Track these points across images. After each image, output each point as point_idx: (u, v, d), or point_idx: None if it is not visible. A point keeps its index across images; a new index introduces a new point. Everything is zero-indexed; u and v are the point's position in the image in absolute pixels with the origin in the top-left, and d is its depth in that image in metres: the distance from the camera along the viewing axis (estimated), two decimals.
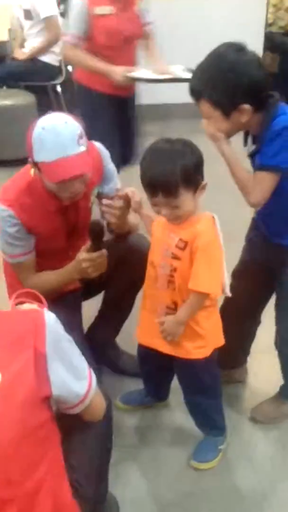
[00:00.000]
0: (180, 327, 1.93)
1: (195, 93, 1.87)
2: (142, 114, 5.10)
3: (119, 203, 2.10)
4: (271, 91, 1.87)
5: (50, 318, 1.38)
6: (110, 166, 2.29)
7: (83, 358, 1.47)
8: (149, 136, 5.02)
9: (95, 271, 2.02)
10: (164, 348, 2.02)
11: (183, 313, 1.92)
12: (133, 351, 2.50)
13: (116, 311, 2.47)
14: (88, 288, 2.33)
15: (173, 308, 1.97)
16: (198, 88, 1.86)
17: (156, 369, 2.25)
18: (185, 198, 1.81)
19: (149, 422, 2.37)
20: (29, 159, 1.94)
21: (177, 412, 2.38)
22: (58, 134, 1.85)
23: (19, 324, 1.38)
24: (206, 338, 1.99)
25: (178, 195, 1.79)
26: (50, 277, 2.11)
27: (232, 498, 2.06)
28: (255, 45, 5.61)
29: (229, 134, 1.91)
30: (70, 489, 1.42)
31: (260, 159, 1.88)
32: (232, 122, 1.86)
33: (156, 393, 2.41)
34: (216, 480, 2.12)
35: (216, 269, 1.89)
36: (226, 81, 1.79)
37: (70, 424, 1.50)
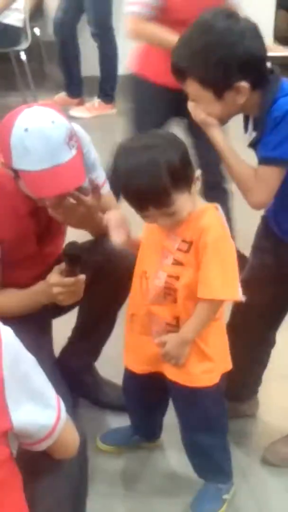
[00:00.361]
0: (186, 347, 1.89)
1: (179, 71, 1.88)
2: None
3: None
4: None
5: (7, 334, 1.37)
6: (91, 153, 2.28)
7: (49, 383, 1.47)
8: None
9: (68, 299, 2.05)
10: (167, 372, 1.99)
11: (190, 329, 1.89)
12: (116, 379, 2.51)
13: (94, 331, 2.47)
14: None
15: (175, 324, 1.94)
16: (182, 65, 1.86)
17: (147, 401, 2.22)
18: (181, 201, 1.79)
19: (137, 466, 2.35)
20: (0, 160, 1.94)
21: (171, 453, 2.38)
22: (46, 139, 1.83)
23: None
24: (215, 360, 1.97)
25: (172, 202, 1.76)
26: (11, 300, 2.11)
27: None
28: (268, 2, 5.77)
29: (222, 119, 1.94)
30: None
31: (261, 151, 1.91)
32: (226, 104, 1.87)
33: (146, 431, 2.37)
34: None
35: (231, 268, 1.85)
36: (217, 54, 1.79)
37: (36, 464, 1.51)
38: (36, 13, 5.54)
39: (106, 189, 2.32)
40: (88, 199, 2.07)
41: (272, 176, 1.90)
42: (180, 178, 1.76)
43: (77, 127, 2.18)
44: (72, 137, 1.89)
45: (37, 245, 2.20)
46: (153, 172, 1.72)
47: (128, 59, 5.11)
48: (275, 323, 2.30)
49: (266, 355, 2.39)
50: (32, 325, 1.76)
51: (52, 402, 1.45)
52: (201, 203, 1.91)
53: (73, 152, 1.88)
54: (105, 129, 4.89)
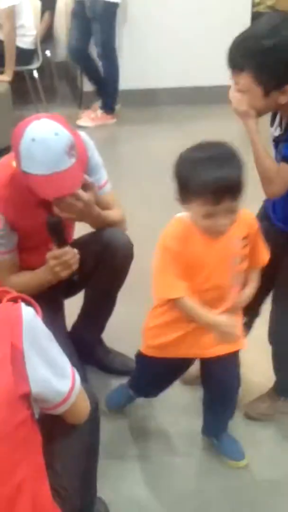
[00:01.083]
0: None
1: (238, 63, 1.82)
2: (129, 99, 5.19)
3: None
4: None
5: (28, 313, 1.37)
6: (95, 157, 2.25)
7: (65, 356, 1.47)
8: (137, 122, 5.13)
9: (63, 270, 2.03)
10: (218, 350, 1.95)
11: (247, 296, 1.92)
12: (120, 349, 2.56)
13: (99, 308, 2.46)
14: (69, 285, 2.30)
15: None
16: (242, 60, 1.81)
17: (172, 378, 2.19)
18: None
19: (141, 422, 2.33)
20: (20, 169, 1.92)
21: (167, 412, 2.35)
22: (49, 149, 1.83)
23: None
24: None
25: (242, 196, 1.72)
26: (27, 278, 2.11)
27: (230, 498, 2.06)
28: (243, 24, 5.63)
29: (260, 113, 1.89)
30: (52, 494, 1.41)
31: (286, 149, 1.87)
32: (270, 101, 1.83)
33: (154, 395, 2.31)
34: (212, 481, 2.12)
35: None
36: (279, 57, 1.76)
37: (53, 427, 1.50)
38: (46, 37, 5.48)
39: (107, 188, 2.28)
40: (85, 195, 2.04)
41: None
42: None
43: (83, 134, 2.20)
44: (72, 147, 1.88)
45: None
46: (234, 168, 1.69)
47: (127, 76, 5.14)
48: (263, 297, 2.25)
49: (252, 323, 2.37)
50: (47, 305, 1.73)
51: (67, 372, 1.45)
52: None
53: (72, 160, 1.87)
54: (106, 137, 4.89)
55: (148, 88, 5.40)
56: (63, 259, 2.01)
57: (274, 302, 2.19)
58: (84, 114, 5.21)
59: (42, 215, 2.04)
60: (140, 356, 2.12)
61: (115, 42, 5.04)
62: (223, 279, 1.84)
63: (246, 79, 1.81)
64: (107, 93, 5.20)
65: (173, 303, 1.83)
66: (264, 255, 1.92)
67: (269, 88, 1.79)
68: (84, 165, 2.15)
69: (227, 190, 1.66)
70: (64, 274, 2.04)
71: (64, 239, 2.06)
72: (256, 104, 1.84)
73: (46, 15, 5.41)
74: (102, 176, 2.27)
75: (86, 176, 2.10)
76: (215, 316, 1.83)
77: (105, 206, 2.24)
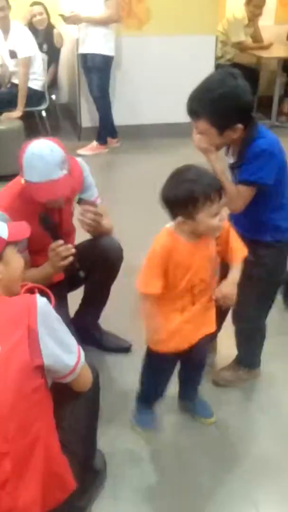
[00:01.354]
0: (235, 287, 1.88)
1: (195, 113, 1.86)
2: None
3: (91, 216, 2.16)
4: None
5: (41, 301, 1.41)
6: (89, 177, 2.30)
7: (71, 336, 1.49)
8: (126, 151, 5.14)
9: (58, 260, 2.03)
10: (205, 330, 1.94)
11: (236, 275, 1.87)
12: (113, 331, 2.58)
13: (96, 299, 2.49)
14: (71, 281, 2.34)
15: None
16: (198, 109, 1.84)
17: (173, 366, 2.09)
18: None
19: None
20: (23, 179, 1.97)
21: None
22: (44, 161, 1.88)
23: (16, 307, 1.41)
24: None
25: None
26: (34, 273, 2.09)
27: (201, 447, 2.08)
28: (208, 73, 5.66)
29: (218, 148, 1.92)
30: (60, 445, 1.44)
31: (241, 175, 1.90)
32: (224, 138, 1.87)
33: (161, 395, 2.16)
34: (187, 434, 2.13)
35: None
36: (227, 104, 1.79)
37: (63, 394, 1.51)
38: (52, 84, 5.49)
39: (98, 201, 2.35)
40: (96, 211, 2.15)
41: (248, 193, 1.91)
42: None
43: (79, 160, 2.26)
44: (64, 162, 1.92)
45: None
46: (212, 175, 1.76)
47: (119, 114, 5.08)
48: None
49: (225, 313, 2.30)
50: (55, 296, 1.78)
51: (73, 349, 1.47)
52: None
53: (64, 172, 1.92)
54: (102, 163, 4.90)
55: (135, 124, 5.42)
56: (57, 251, 2.01)
57: (238, 293, 2.15)
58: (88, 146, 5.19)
59: None
60: (150, 355, 1.98)
61: (108, 86, 5.05)
62: (206, 274, 1.84)
63: (203, 124, 1.85)
64: (102, 128, 5.17)
65: (144, 296, 1.79)
66: (241, 250, 1.88)
67: (222, 129, 1.83)
68: (81, 183, 2.23)
69: (220, 188, 1.71)
70: (59, 264, 2.04)
71: (57, 234, 2.07)
72: (214, 142, 1.88)
73: (52, 67, 5.42)
74: (94, 193, 2.33)
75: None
76: (157, 329, 1.81)
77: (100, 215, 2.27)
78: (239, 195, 1.91)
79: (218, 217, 1.71)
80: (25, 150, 1.91)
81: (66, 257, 2.04)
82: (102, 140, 5.19)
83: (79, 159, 2.27)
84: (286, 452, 2.07)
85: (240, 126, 1.82)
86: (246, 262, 2.05)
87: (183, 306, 1.85)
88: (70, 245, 2.06)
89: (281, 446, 2.10)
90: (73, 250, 2.06)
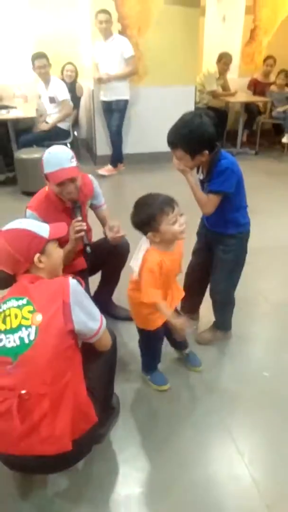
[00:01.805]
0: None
1: (173, 144, 1.87)
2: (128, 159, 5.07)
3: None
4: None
5: (73, 282, 1.40)
6: (98, 188, 2.28)
7: (95, 307, 1.48)
8: (133, 172, 5.12)
9: (73, 233, 2.00)
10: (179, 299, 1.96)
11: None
12: (122, 304, 2.52)
13: (109, 281, 2.47)
14: (92, 269, 2.34)
15: None
16: (174, 141, 1.85)
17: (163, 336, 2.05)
18: None
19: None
20: (43, 175, 2.00)
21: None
22: (57, 156, 1.95)
23: (54, 286, 1.41)
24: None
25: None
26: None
27: (189, 389, 2.06)
28: None
29: (191, 168, 1.92)
30: (86, 391, 1.43)
31: (211, 187, 1.91)
32: (195, 161, 1.87)
33: (178, 344, 2.16)
34: (179, 379, 2.11)
35: None
36: (195, 137, 1.80)
37: (89, 353, 1.51)
38: (75, 123, 5.42)
39: (105, 207, 2.33)
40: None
41: (216, 199, 1.92)
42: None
43: (90, 176, 2.25)
44: (72, 157, 1.98)
45: None
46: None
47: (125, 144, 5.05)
48: (209, 272, 2.23)
49: (205, 287, 2.33)
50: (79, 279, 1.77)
51: (97, 317, 1.46)
52: None
53: (72, 164, 1.98)
54: (111, 180, 4.89)
55: (137, 152, 5.37)
56: (73, 225, 2.01)
57: (212, 273, 2.19)
58: (104, 168, 5.15)
59: (65, 217, 2.05)
60: (146, 334, 1.95)
61: (122, 129, 5.03)
62: (179, 269, 1.90)
63: (179, 152, 1.86)
64: (114, 155, 5.14)
65: (154, 303, 1.77)
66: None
67: (193, 155, 1.84)
68: (92, 191, 2.23)
69: (171, 202, 1.70)
70: (73, 237, 2.00)
71: (76, 215, 2.05)
72: (189, 164, 1.89)
73: (74, 111, 5.34)
74: (102, 200, 2.32)
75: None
76: (174, 318, 1.78)
77: (103, 217, 2.29)
78: (209, 201, 1.93)
79: (177, 224, 1.70)
80: (44, 153, 1.97)
81: (79, 231, 2.02)
82: (114, 164, 5.14)
83: (90, 175, 2.26)
84: (251, 389, 2.07)
85: (206, 152, 1.84)
86: (219, 250, 2.06)
87: (164, 294, 1.86)
88: (83, 223, 2.04)
89: (248, 385, 2.09)
90: (85, 226, 2.04)
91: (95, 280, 2.48)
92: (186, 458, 1.75)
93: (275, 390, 2.06)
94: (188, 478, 1.67)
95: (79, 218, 2.05)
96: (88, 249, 2.13)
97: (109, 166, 5.14)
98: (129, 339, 2.36)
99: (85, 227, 2.04)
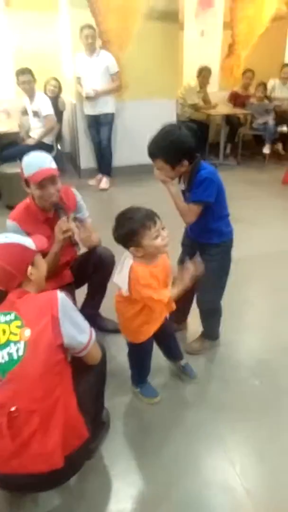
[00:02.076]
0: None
1: (153, 155, 1.89)
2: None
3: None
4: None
5: (61, 295, 1.39)
6: (81, 201, 2.29)
7: (85, 320, 1.47)
8: (123, 184, 5.11)
9: (60, 233, 2.01)
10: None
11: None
12: (110, 316, 2.47)
13: (96, 294, 2.44)
14: (78, 282, 2.32)
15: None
16: (155, 152, 1.87)
17: (167, 339, 2.09)
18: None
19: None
20: (23, 182, 2.00)
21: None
22: (37, 158, 1.98)
23: (42, 299, 1.40)
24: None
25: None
26: (47, 258, 2.02)
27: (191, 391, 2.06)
28: None
29: (172, 178, 1.94)
30: (77, 405, 1.42)
31: (192, 197, 1.93)
32: (176, 171, 1.89)
33: (173, 355, 2.17)
34: (169, 390, 2.11)
35: None
36: (174, 147, 1.82)
37: (78, 366, 1.50)
38: (58, 138, 5.38)
39: (89, 220, 2.33)
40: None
41: (197, 209, 1.94)
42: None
43: (73, 189, 2.26)
44: (51, 160, 2.00)
45: None
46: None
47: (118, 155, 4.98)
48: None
49: (191, 300, 2.33)
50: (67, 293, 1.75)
51: (86, 330, 1.45)
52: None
53: (53, 165, 2.00)
54: (98, 193, 4.88)
55: (125, 165, 5.36)
56: (59, 225, 2.02)
57: (198, 283, 2.11)
58: (102, 180, 5.15)
59: (46, 228, 2.05)
60: (135, 346, 1.94)
61: (112, 138, 5.08)
62: (170, 277, 1.87)
63: (159, 162, 1.88)
64: (108, 166, 5.18)
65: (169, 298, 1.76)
66: None
67: (173, 165, 1.87)
68: (75, 204, 2.23)
69: (152, 217, 1.68)
70: (60, 237, 2.01)
71: (60, 216, 2.05)
72: (169, 174, 1.91)
73: (58, 125, 5.30)
74: (86, 213, 2.32)
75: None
76: (184, 283, 1.78)
77: (88, 230, 2.28)
78: (190, 211, 1.95)
79: (159, 238, 1.68)
80: (23, 160, 1.98)
81: (66, 231, 2.02)
82: (108, 175, 5.17)
83: (73, 189, 2.26)
84: (241, 398, 2.07)
85: (186, 162, 1.86)
86: (203, 260, 2.04)
87: None
88: (71, 224, 2.05)
89: (238, 394, 2.09)
90: (72, 225, 2.05)
91: (81, 293, 2.46)
92: (178, 470, 1.73)
93: (266, 398, 2.06)
94: (181, 491, 1.65)
95: (64, 218, 2.04)
96: (78, 247, 2.15)
97: (106, 178, 5.16)
98: (118, 351, 2.33)
99: (71, 226, 2.05)
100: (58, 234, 2.02)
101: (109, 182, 5.14)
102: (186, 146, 1.83)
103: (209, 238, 2.06)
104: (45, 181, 1.96)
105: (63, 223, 2.02)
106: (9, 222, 2.04)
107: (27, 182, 1.99)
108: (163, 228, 1.71)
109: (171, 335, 2.11)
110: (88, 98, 4.78)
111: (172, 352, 2.16)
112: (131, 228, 1.66)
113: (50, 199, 2.02)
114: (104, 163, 5.18)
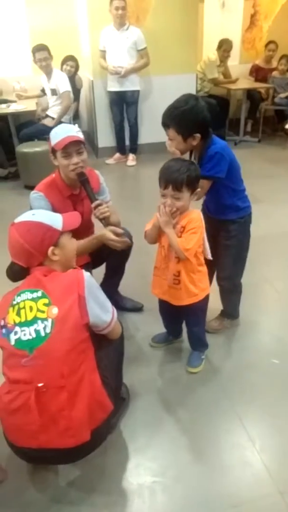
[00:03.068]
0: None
1: (166, 124, 1.86)
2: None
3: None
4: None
5: (87, 274, 1.41)
6: (104, 184, 2.26)
7: (108, 300, 1.49)
8: (148, 161, 5.07)
9: (101, 215, 2.03)
10: (171, 300, 1.93)
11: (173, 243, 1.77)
12: (129, 295, 2.54)
13: (115, 274, 2.45)
14: (95, 261, 2.32)
15: (178, 275, 1.84)
16: (168, 121, 1.84)
17: (169, 313, 2.11)
18: (184, 195, 1.74)
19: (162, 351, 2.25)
20: (50, 154, 2.01)
21: (183, 344, 2.28)
22: (64, 128, 1.99)
23: (68, 278, 1.41)
24: (199, 293, 1.90)
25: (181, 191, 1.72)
26: (80, 243, 2.06)
27: (205, 379, 2.07)
28: None
29: (183, 152, 1.90)
30: (100, 380, 1.44)
31: (201, 172, 1.86)
32: (187, 144, 1.86)
33: (173, 332, 2.23)
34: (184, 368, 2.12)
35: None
36: (188, 118, 1.79)
37: (101, 342, 1.52)
38: (76, 117, 5.35)
39: (110, 202, 2.28)
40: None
41: (206, 184, 1.90)
42: (190, 184, 1.73)
43: (97, 172, 2.23)
44: (79, 130, 2.03)
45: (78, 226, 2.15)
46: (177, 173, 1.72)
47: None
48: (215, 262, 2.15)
49: (213, 276, 2.26)
50: None
51: (109, 309, 1.47)
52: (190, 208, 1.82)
53: (80, 135, 1.99)
54: (134, 169, 4.86)
55: (143, 143, 5.31)
56: (99, 209, 2.02)
57: (218, 260, 2.11)
58: (129, 158, 5.16)
59: (70, 203, 2.07)
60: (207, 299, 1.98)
61: (138, 117, 5.04)
62: (165, 242, 1.86)
63: (172, 132, 1.85)
64: (136, 144, 5.16)
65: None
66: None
67: (185, 136, 1.83)
68: (99, 185, 2.21)
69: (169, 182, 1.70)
70: (104, 217, 2.03)
71: (94, 195, 2.06)
72: (180, 146, 1.86)
73: (75, 103, 5.29)
74: (108, 196, 2.29)
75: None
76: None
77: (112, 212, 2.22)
78: (200, 187, 1.87)
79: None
80: (51, 132, 1.98)
81: (103, 217, 2.04)
82: (135, 152, 5.16)
83: (96, 171, 2.23)
84: (260, 376, 2.06)
85: (198, 135, 1.82)
86: (221, 237, 2.04)
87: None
88: (104, 205, 2.05)
89: (257, 372, 2.09)
90: (107, 209, 2.05)
91: (100, 273, 2.46)
92: (197, 445, 1.75)
93: (285, 377, 2.05)
94: (200, 465, 1.67)
95: (99, 201, 2.05)
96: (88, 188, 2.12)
97: (133, 155, 5.15)
98: (135, 331, 2.37)
99: (107, 209, 2.05)
100: (98, 216, 2.03)
101: (134, 159, 5.12)
102: (200, 118, 1.79)
103: (226, 215, 2.04)
104: (71, 149, 1.95)
105: (100, 210, 2.03)
106: (34, 193, 2.03)
107: (54, 152, 1.98)
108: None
109: (187, 318, 2.11)
110: (120, 76, 4.69)
111: (189, 336, 2.16)
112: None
113: (77, 169, 1.99)
114: (131, 141, 5.16)
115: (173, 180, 1.71)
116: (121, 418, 1.84)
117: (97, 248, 2.16)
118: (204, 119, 1.81)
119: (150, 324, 2.34)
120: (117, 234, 2.04)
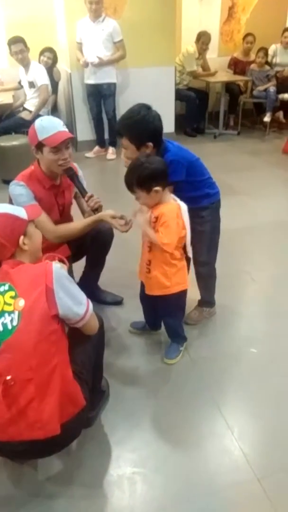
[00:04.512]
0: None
1: (120, 133, 1.89)
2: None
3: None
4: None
5: (56, 266, 1.39)
6: (82, 178, 2.23)
7: (81, 292, 1.47)
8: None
9: (96, 204, 2.06)
10: (146, 288, 1.97)
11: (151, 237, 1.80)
12: (109, 289, 2.53)
13: (95, 267, 2.44)
14: (75, 255, 2.30)
15: (149, 264, 1.89)
16: (121, 131, 1.88)
17: (146, 301, 2.10)
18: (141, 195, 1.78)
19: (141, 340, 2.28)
20: (32, 147, 1.97)
21: (161, 336, 2.28)
22: (51, 121, 1.95)
23: (36, 270, 1.39)
24: (171, 287, 1.90)
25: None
26: (71, 226, 2.13)
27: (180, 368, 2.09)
28: (170, 97, 5.53)
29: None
30: (74, 375, 1.42)
31: None
32: (140, 152, 1.87)
33: (151, 323, 2.24)
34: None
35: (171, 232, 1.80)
36: (139, 128, 1.82)
37: (77, 337, 1.51)
38: (54, 110, 5.23)
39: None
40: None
41: (170, 188, 1.89)
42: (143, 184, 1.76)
43: (76, 165, 2.18)
44: (64, 124, 1.97)
45: (59, 217, 2.14)
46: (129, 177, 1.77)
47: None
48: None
49: (189, 267, 2.24)
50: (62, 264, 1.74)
51: (83, 301, 1.44)
52: (167, 200, 1.84)
53: (65, 129, 1.96)
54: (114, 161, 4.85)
55: None
56: (92, 199, 2.05)
57: (194, 247, 2.07)
58: (109, 151, 5.11)
59: (51, 195, 2.07)
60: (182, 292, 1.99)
61: (115, 109, 4.97)
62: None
63: (125, 141, 1.88)
64: (115, 137, 5.07)
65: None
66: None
67: (138, 145, 1.85)
68: (79, 176, 2.17)
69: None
70: (98, 208, 2.06)
71: (83, 187, 2.10)
72: (133, 155, 1.88)
73: (53, 96, 5.23)
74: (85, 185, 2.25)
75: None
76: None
77: (84, 209, 2.25)
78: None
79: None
80: (34, 124, 1.93)
81: (97, 208, 2.07)
82: (115, 145, 5.09)
83: (74, 163, 2.19)
84: (239, 366, 2.09)
85: (150, 144, 1.85)
86: (196, 223, 2.04)
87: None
88: (95, 197, 2.08)
89: (236, 362, 2.11)
90: (99, 199, 2.09)
91: (80, 266, 2.45)
92: (177, 435, 1.77)
93: (263, 366, 2.08)
94: (180, 455, 1.69)
95: (89, 194, 2.07)
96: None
97: (112, 148, 5.10)
98: (117, 324, 2.36)
99: (99, 200, 2.07)
100: (94, 205, 2.06)
101: (114, 153, 5.09)
102: (151, 127, 1.82)
103: (198, 203, 2.08)
104: (62, 145, 1.93)
105: (92, 200, 2.05)
106: (15, 183, 2.00)
107: (39, 146, 1.94)
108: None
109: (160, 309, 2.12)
110: (93, 66, 4.63)
111: (165, 325, 2.18)
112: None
113: (65, 164, 1.98)
114: (111, 134, 5.11)
115: (126, 183, 1.78)
116: (101, 411, 1.84)
117: (77, 242, 2.14)
118: (156, 128, 1.84)
119: (131, 316, 2.35)
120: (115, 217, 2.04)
